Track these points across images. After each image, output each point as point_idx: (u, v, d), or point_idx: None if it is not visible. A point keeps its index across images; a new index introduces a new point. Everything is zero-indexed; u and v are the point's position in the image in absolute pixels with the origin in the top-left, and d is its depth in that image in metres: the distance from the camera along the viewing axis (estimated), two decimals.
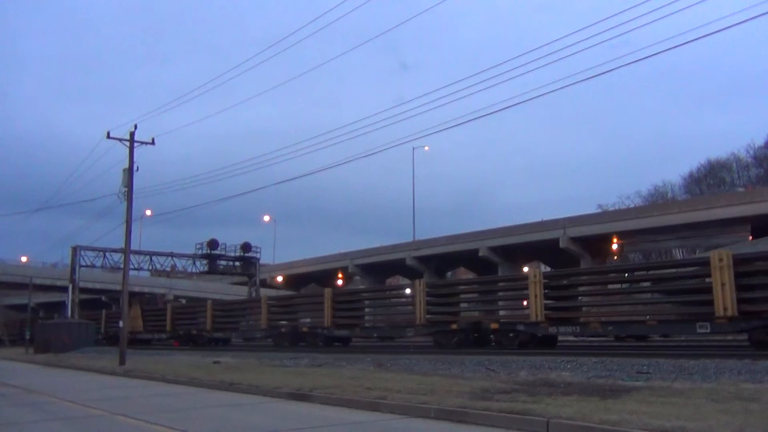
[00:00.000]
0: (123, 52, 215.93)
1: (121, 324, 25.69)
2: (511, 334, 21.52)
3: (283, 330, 31.92)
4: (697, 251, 57.05)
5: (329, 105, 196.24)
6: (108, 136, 25.75)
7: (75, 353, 33.94)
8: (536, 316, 20.35)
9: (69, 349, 35.71)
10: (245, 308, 37.55)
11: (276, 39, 72.21)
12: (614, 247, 54.17)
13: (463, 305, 25.43)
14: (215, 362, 21.05)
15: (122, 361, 22.82)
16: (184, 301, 58.29)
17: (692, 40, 16.65)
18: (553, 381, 11.44)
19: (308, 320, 31.29)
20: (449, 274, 71.39)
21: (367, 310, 30.03)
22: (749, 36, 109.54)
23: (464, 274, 70.60)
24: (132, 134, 25.58)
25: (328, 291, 29.48)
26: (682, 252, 64.53)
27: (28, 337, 45.69)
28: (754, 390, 9.06)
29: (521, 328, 21.10)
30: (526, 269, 63.53)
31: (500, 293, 24.88)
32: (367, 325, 28.98)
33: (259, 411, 10.57)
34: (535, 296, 20.43)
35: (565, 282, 22.21)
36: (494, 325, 22.24)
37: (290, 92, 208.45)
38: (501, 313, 24.70)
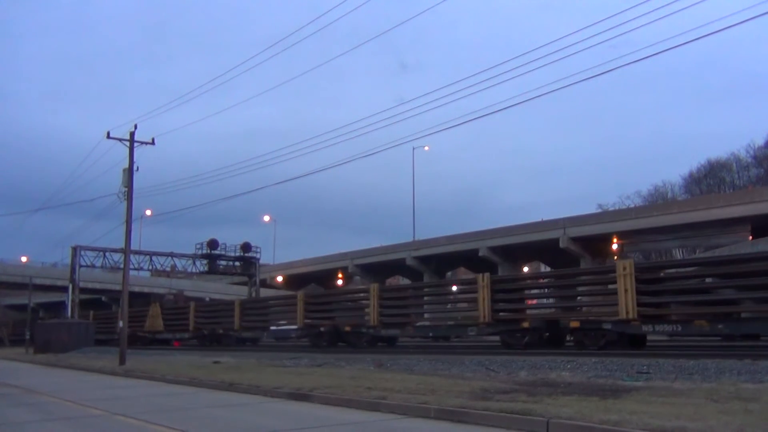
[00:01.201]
0: (123, 52, 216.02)
1: (120, 324, 25.66)
2: (594, 333, 19.79)
3: (322, 329, 29.72)
4: (697, 251, 57.05)
5: (329, 105, 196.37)
6: (108, 136, 25.75)
7: (75, 353, 33.93)
8: (626, 312, 18.52)
9: (69, 349, 35.68)
10: (278, 306, 35.74)
11: (276, 39, 72.29)
12: (614, 247, 54.15)
13: (535, 302, 23.97)
14: (215, 362, 21.06)
15: (122, 361, 22.82)
16: (207, 299, 56.80)
17: (692, 40, 16.66)
18: (553, 381, 11.44)
19: (349, 318, 29.32)
20: (449, 274, 71.38)
21: (426, 307, 28.02)
22: (749, 36, 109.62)
23: (464, 274, 70.54)
24: (132, 134, 25.59)
25: (374, 287, 27.39)
26: (682, 252, 64.53)
27: (28, 337, 45.68)
28: (754, 390, 9.06)
29: (608, 326, 19.28)
30: (526, 269, 63.57)
31: (582, 288, 23.03)
32: (421, 323, 26.97)
33: (259, 411, 10.56)
34: (625, 291, 18.63)
35: (662, 274, 20.49)
36: (574, 324, 20.45)
37: (290, 92, 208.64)
38: (583, 309, 22.85)
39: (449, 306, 28.08)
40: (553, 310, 24.44)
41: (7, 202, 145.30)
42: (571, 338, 21.29)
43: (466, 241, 60.56)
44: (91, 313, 51.66)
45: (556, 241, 54.13)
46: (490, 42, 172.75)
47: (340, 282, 76.24)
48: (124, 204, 25.33)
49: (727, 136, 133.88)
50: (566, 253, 54.90)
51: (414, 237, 67.45)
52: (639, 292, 18.70)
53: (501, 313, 22.84)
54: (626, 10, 18.52)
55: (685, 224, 48.89)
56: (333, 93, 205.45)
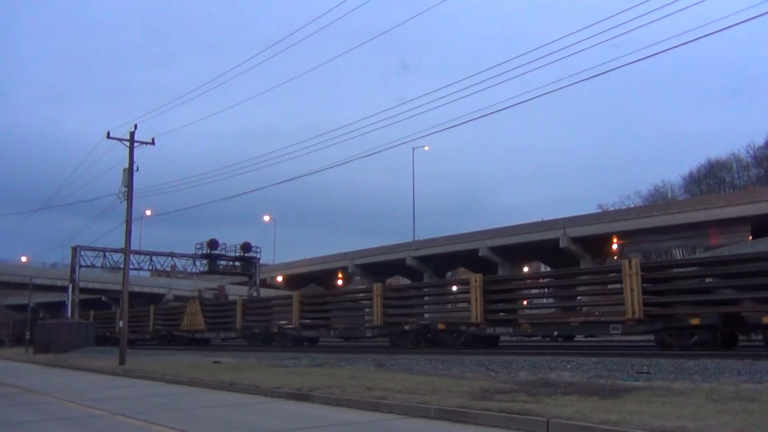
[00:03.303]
0: (123, 52, 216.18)
1: (121, 324, 25.66)
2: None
3: (406, 327, 25.90)
4: (697, 251, 57.06)
5: (330, 105, 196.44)
6: (108, 136, 25.76)
7: (75, 353, 33.92)
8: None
9: (69, 349, 35.67)
10: (348, 301, 32.77)
11: (276, 39, 72.22)
12: (614, 247, 54.17)
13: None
14: (215, 362, 21.06)
15: (122, 361, 22.81)
16: (255, 294, 54.51)
17: (692, 40, 16.67)
18: (553, 381, 11.43)
19: (444, 315, 26.01)
20: (449, 274, 71.40)
21: (547, 300, 24.64)
22: (749, 36, 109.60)
23: (464, 274, 70.58)
24: (132, 134, 25.59)
25: (476, 277, 23.12)
26: (682, 252, 64.53)
27: (28, 337, 45.69)
28: (754, 390, 9.06)
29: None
30: (526, 269, 63.57)
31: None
32: (538, 320, 23.00)
33: (259, 411, 10.56)
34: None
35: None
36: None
37: (290, 92, 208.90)
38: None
39: (580, 299, 24.35)
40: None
41: (7, 202, 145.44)
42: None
43: (466, 241, 60.58)
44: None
45: (556, 241, 54.15)
46: (490, 42, 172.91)
47: (340, 282, 76.22)
48: (124, 204, 25.35)
49: (727, 136, 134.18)
50: (566, 253, 54.92)
51: (414, 237, 67.51)
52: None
53: (650, 308, 18.28)
54: (627, 9, 18.53)
55: (685, 224, 48.90)
56: (333, 93, 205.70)
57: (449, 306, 26.99)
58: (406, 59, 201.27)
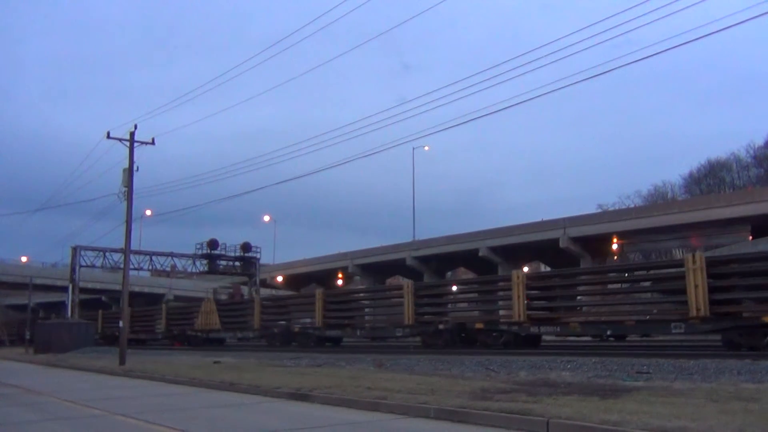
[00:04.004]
0: (123, 52, 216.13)
1: (121, 324, 25.64)
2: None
3: (440, 327, 24.41)
4: (697, 251, 57.05)
5: (330, 105, 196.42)
6: (108, 136, 25.75)
7: (75, 353, 33.89)
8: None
9: (69, 349, 35.64)
10: (374, 299, 31.53)
11: (276, 39, 72.28)
12: (614, 247, 54.17)
13: None
14: (215, 362, 21.05)
15: (122, 361, 22.80)
16: (273, 292, 53.34)
17: (692, 40, 16.68)
18: (553, 381, 11.43)
19: (480, 313, 24.62)
20: (449, 274, 71.42)
21: (598, 298, 22.94)
22: (749, 36, 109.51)
23: (464, 274, 70.61)
24: (132, 134, 25.58)
25: (517, 274, 21.28)
26: (682, 252, 64.50)
27: (28, 337, 45.68)
28: (754, 390, 9.06)
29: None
30: (526, 269, 63.58)
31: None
32: (590, 318, 21.39)
33: (259, 411, 10.56)
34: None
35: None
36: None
37: (290, 92, 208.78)
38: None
39: (636, 297, 22.88)
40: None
41: (7, 202, 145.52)
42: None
43: (466, 241, 60.58)
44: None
45: (556, 241, 54.15)
46: (491, 42, 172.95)
47: (340, 282, 76.23)
48: (124, 204, 25.34)
49: (727, 136, 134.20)
50: (566, 253, 54.92)
51: (414, 237, 67.50)
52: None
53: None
54: (627, 10, 18.54)
55: (685, 224, 48.90)
56: (334, 93, 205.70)
57: (487, 304, 25.77)
58: (407, 59, 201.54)
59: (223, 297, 53.63)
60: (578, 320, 21.16)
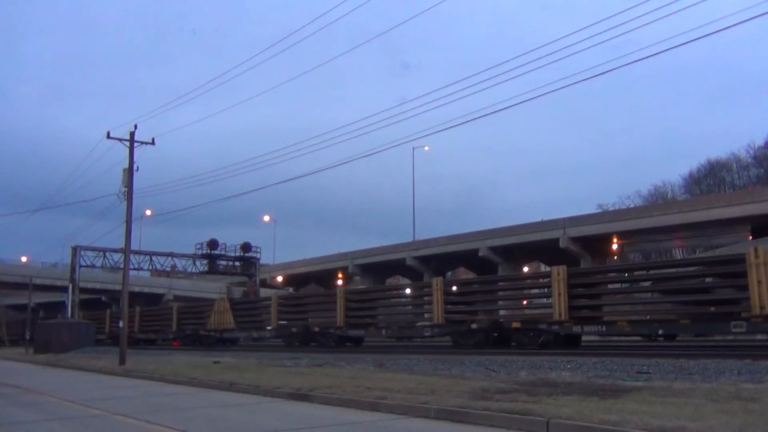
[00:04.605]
0: (124, 52, 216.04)
1: (121, 324, 25.63)
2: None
3: (473, 326, 23.28)
4: (697, 251, 57.06)
5: (330, 105, 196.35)
6: (108, 136, 25.76)
7: (75, 353, 33.91)
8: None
9: (69, 349, 35.67)
10: (398, 297, 30.61)
11: (277, 39, 72.28)
12: (614, 247, 54.16)
13: None
14: (215, 362, 21.04)
15: (122, 362, 22.81)
16: (290, 290, 52.55)
17: (692, 40, 16.67)
18: (553, 381, 11.43)
19: (520, 312, 23.71)
20: (449, 274, 71.37)
21: (651, 294, 21.17)
22: (749, 36, 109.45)
23: (464, 274, 70.61)
24: (132, 134, 25.59)
25: (558, 270, 20.17)
26: (682, 252, 64.54)
27: (28, 337, 45.69)
28: (754, 390, 9.05)
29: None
30: (526, 269, 63.57)
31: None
32: (637, 317, 20.26)
33: (259, 411, 10.56)
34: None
35: None
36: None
37: (291, 92, 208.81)
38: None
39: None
40: None
41: (7, 202, 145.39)
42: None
43: (466, 241, 60.56)
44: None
45: (556, 241, 54.13)
46: (491, 42, 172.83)
47: (340, 282, 76.20)
48: (124, 204, 25.35)
49: (727, 136, 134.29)
50: (566, 253, 54.91)
51: (414, 237, 67.49)
52: None
53: None
54: (627, 9, 18.53)
55: (685, 224, 48.89)
56: (334, 93, 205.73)
57: (523, 302, 25.04)
58: (407, 59, 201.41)
59: (236, 295, 53.36)
60: (626, 318, 20.04)
